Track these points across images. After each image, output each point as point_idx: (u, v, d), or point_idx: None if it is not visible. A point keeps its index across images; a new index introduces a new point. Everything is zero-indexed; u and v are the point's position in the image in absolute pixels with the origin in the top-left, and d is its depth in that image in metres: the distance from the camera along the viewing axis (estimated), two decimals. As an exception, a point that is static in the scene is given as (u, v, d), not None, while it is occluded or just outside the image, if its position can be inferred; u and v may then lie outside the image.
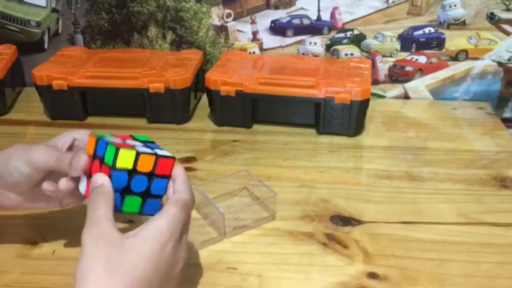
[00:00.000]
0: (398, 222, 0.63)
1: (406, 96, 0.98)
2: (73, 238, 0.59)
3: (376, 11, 0.93)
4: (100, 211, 0.44)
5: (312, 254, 0.58)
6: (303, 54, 0.97)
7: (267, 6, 0.95)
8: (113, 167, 0.46)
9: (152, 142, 0.52)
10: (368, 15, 0.93)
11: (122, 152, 0.46)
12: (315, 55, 0.97)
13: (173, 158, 0.49)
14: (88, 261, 0.41)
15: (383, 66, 0.96)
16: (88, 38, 0.99)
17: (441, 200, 0.68)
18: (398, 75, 0.97)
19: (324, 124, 0.82)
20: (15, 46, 0.95)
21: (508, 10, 0.90)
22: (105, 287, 0.39)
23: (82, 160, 0.48)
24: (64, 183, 0.50)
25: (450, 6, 0.91)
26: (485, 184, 0.71)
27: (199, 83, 0.91)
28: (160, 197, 0.49)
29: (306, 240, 0.60)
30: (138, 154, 0.46)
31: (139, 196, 0.48)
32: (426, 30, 0.93)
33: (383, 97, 0.98)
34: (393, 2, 0.92)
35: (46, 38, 0.99)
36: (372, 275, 0.55)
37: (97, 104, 0.88)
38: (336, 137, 0.83)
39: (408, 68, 0.96)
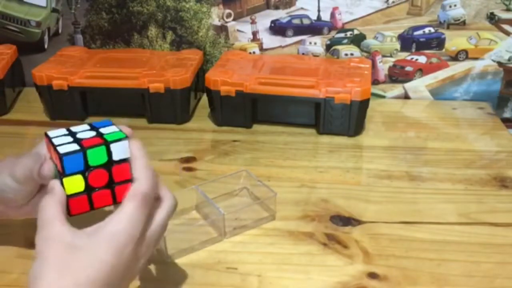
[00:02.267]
0: (398, 222, 0.63)
1: (406, 96, 0.98)
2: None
3: (376, 11, 0.93)
4: (50, 212, 0.42)
5: (312, 254, 0.58)
6: (303, 54, 0.97)
7: (267, 6, 0.95)
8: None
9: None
10: (368, 15, 0.93)
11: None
12: (315, 55, 0.97)
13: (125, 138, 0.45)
14: (38, 264, 0.39)
15: (383, 66, 0.96)
16: (88, 38, 0.99)
17: (441, 200, 0.68)
18: (398, 75, 0.97)
19: (324, 124, 0.82)
20: (15, 46, 0.95)
21: (508, 10, 0.90)
22: None
23: (47, 168, 0.46)
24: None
25: (450, 6, 0.91)
26: (485, 184, 0.71)
27: (199, 83, 0.91)
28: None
29: (306, 240, 0.60)
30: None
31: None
32: (426, 30, 0.93)
33: (383, 97, 0.98)
34: (393, 2, 0.92)
35: (46, 38, 0.99)
36: (372, 275, 0.55)
37: (97, 104, 0.88)
38: (336, 137, 0.83)
39: (408, 68, 0.96)
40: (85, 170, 0.44)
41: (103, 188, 0.45)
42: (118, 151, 0.44)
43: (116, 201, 0.45)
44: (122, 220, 0.42)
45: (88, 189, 0.44)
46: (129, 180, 0.45)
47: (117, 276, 0.41)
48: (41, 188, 0.49)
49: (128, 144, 0.45)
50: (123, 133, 0.46)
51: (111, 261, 0.40)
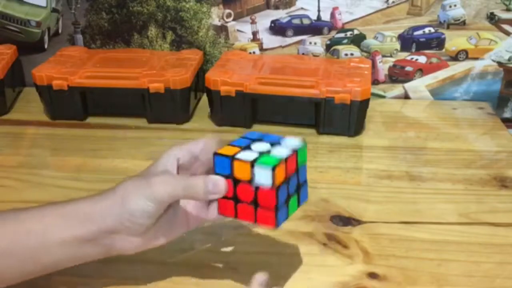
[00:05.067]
0: (398, 222, 0.63)
1: (406, 96, 0.98)
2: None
3: (376, 11, 0.93)
4: None
5: (312, 254, 0.58)
6: (303, 54, 0.97)
7: (267, 6, 0.95)
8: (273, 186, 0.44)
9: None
10: (368, 15, 0.93)
11: (278, 170, 0.44)
12: (315, 55, 0.97)
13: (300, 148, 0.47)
14: None
15: (383, 66, 0.96)
16: (88, 38, 0.99)
17: (441, 200, 0.68)
18: (398, 75, 0.97)
19: (324, 124, 0.82)
20: (15, 46, 0.95)
21: (508, 10, 0.90)
22: None
23: (221, 182, 0.46)
24: (213, 212, 0.50)
25: (450, 6, 0.91)
26: (485, 184, 0.71)
27: (199, 83, 0.91)
28: (305, 181, 0.49)
29: (306, 240, 0.60)
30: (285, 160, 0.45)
31: (295, 193, 0.47)
32: (426, 30, 0.93)
33: (383, 97, 0.98)
34: (393, 2, 0.92)
35: (46, 38, 0.99)
36: (372, 275, 0.55)
37: (97, 104, 0.88)
38: (336, 137, 0.83)
39: (408, 68, 0.96)
40: (232, 177, 0.45)
41: (247, 204, 0.46)
42: (260, 176, 0.44)
43: (256, 221, 0.46)
44: None
45: (235, 198, 0.46)
46: (272, 209, 0.45)
47: None
48: (157, 221, 0.47)
49: (271, 174, 0.43)
50: (277, 159, 0.45)
51: None
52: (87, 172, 0.74)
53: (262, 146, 0.47)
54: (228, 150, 0.46)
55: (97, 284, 0.53)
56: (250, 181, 0.45)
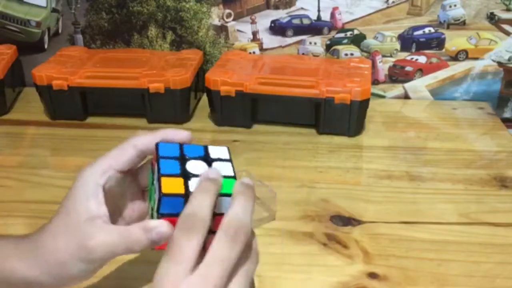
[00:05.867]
0: (398, 222, 0.63)
1: (406, 96, 0.98)
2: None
3: (376, 11, 0.93)
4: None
5: (312, 254, 0.58)
6: (303, 54, 0.97)
7: (267, 6, 0.95)
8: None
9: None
10: (368, 15, 0.93)
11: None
12: (315, 55, 0.97)
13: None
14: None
15: (383, 66, 0.96)
16: (88, 38, 0.99)
17: (441, 200, 0.68)
18: (398, 75, 0.97)
19: (324, 124, 0.82)
20: (15, 46, 0.95)
21: (508, 10, 0.90)
22: None
23: (165, 229, 0.39)
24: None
25: (450, 6, 0.91)
26: (485, 184, 0.71)
27: (199, 83, 0.91)
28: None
29: (306, 240, 0.60)
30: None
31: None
32: (426, 30, 0.93)
33: (383, 97, 0.98)
34: (393, 2, 0.92)
35: (46, 38, 0.99)
36: (372, 275, 0.55)
37: (97, 104, 0.88)
38: (336, 137, 0.83)
39: (408, 68, 0.96)
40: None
41: None
42: (219, 205, 0.39)
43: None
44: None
45: None
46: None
47: None
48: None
49: (229, 202, 0.39)
50: (233, 182, 0.41)
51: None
52: (87, 172, 0.74)
53: (197, 165, 0.42)
54: (172, 185, 0.40)
55: (97, 284, 0.53)
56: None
